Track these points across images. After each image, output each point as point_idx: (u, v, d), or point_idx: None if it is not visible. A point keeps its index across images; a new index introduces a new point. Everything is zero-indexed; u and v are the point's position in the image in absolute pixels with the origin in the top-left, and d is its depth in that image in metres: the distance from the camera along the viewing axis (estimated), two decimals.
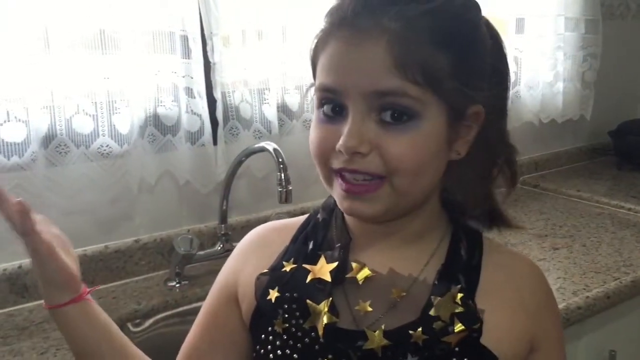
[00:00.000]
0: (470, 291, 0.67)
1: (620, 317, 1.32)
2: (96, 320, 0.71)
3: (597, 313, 1.21)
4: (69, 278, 0.68)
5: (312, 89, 0.69)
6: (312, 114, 0.68)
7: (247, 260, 0.76)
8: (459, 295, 0.65)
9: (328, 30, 0.64)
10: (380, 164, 0.62)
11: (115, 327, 0.74)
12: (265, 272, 0.72)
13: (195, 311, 1.26)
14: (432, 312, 0.65)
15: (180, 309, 1.25)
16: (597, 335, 1.29)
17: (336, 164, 0.63)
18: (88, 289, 0.71)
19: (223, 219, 1.36)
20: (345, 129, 0.61)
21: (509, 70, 0.71)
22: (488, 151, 0.69)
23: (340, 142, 0.61)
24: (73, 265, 0.69)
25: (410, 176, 0.62)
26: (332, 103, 0.64)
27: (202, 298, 1.25)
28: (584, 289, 1.24)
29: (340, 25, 0.62)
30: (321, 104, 0.65)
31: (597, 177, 2.09)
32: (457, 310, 0.65)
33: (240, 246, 0.80)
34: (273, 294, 0.70)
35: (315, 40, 0.66)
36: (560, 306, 1.15)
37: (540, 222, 1.67)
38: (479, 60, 0.65)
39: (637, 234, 1.56)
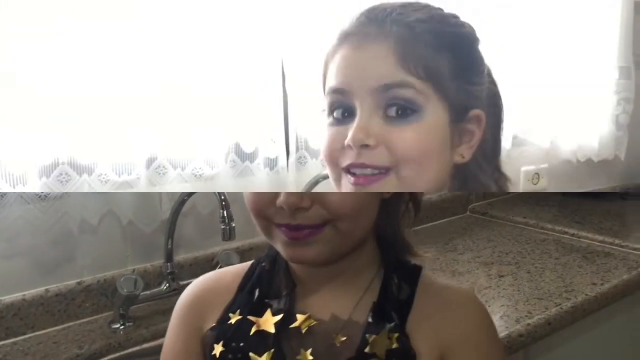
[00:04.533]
0: (401, 325, 0.69)
1: (562, 344, 1.34)
2: None
3: (539, 340, 1.23)
4: None
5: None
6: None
7: (200, 315, 0.75)
8: (394, 334, 0.67)
9: (336, 44, 0.70)
10: (387, 156, 0.66)
11: None
12: (213, 327, 0.72)
13: (140, 353, 1.25)
14: (367, 350, 0.65)
15: (124, 352, 1.22)
16: None
17: (345, 161, 0.67)
18: None
19: (168, 257, 1.35)
20: (353, 125, 0.66)
21: (501, 97, 0.75)
22: None
23: (349, 136, 0.66)
24: None
25: (416, 167, 0.66)
26: (342, 107, 0.68)
27: (148, 339, 1.25)
28: (526, 315, 1.26)
29: (347, 36, 0.69)
30: (331, 110, 0.69)
31: (543, 203, 2.14)
32: (393, 347, 0.66)
33: (186, 302, 0.78)
34: (217, 349, 0.70)
35: (325, 56, 0.71)
36: (503, 334, 1.17)
37: (488, 250, 1.70)
38: (476, 69, 0.70)
39: (579, 259, 1.60)
